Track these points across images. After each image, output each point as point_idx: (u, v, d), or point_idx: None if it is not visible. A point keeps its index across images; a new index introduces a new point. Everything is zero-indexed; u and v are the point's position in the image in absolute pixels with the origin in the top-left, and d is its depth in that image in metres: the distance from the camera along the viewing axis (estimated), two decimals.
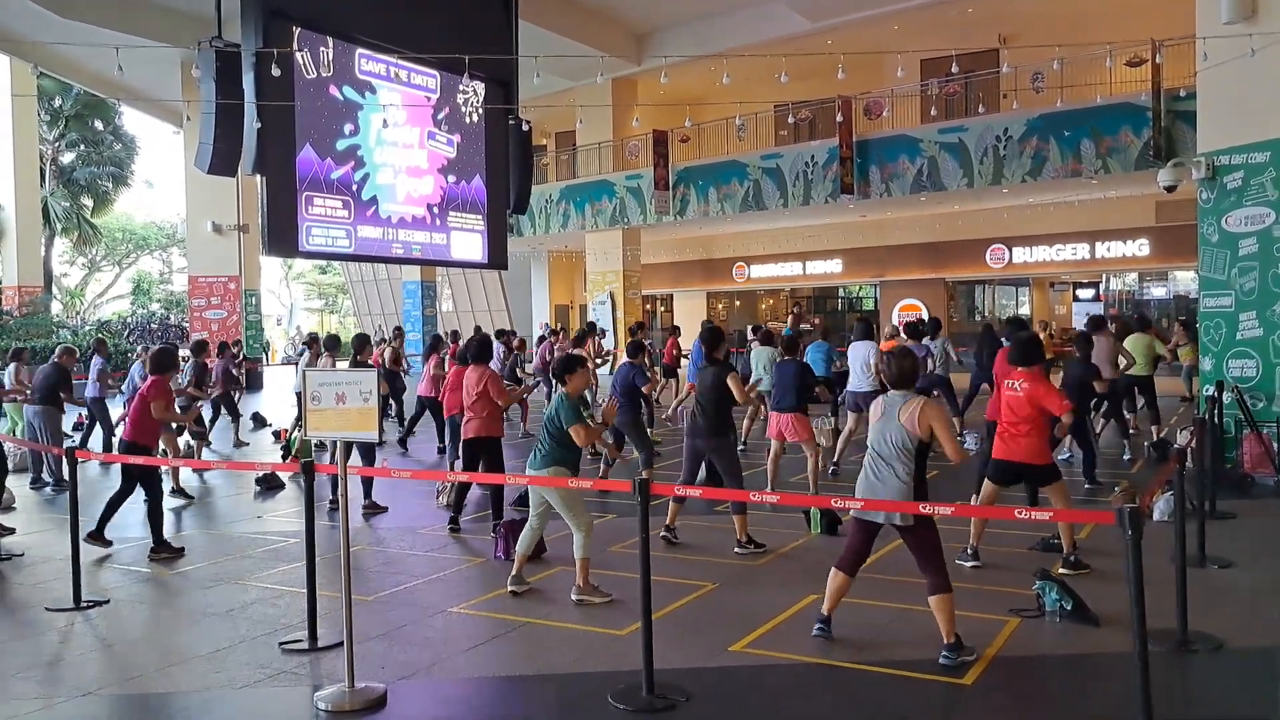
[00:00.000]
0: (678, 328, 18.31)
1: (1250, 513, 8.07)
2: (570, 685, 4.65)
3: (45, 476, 10.53)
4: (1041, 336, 14.76)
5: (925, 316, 20.21)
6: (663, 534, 7.16)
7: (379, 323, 32.53)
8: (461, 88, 14.86)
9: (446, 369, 11.36)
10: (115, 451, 8.74)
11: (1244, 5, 9.39)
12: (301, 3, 12.85)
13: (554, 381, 6.30)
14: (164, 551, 7.20)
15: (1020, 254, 23.88)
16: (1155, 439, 10.95)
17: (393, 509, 8.80)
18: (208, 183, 19.24)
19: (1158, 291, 25.08)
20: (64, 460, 7.53)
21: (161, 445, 7.72)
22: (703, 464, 7.21)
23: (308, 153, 13.13)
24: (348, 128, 13.77)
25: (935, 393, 11.26)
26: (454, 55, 11.59)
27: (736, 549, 6.96)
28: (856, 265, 26.67)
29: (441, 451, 11.65)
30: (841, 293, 29.62)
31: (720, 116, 20.64)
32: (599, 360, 16.30)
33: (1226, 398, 9.23)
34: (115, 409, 12.17)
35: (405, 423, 13.36)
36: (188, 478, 10.53)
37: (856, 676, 4.62)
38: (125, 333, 28.49)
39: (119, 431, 8.77)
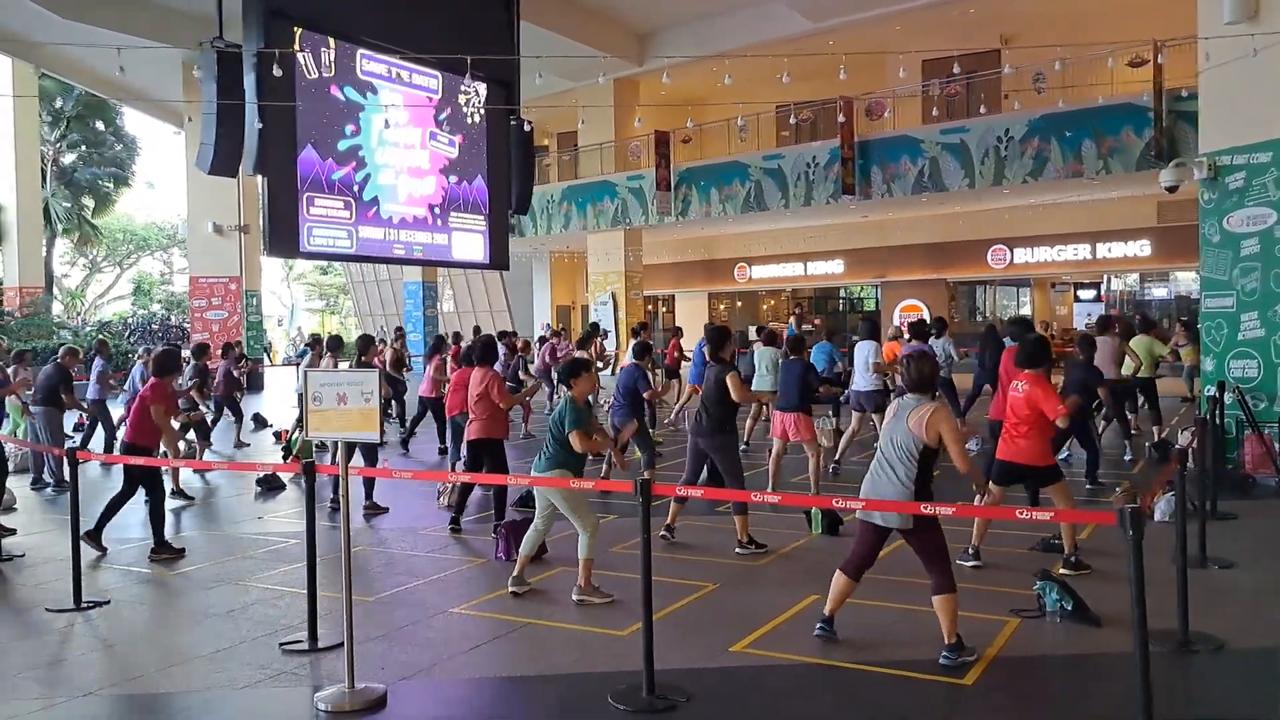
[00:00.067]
0: (680, 329, 18.30)
1: (1251, 513, 8.07)
2: (571, 686, 4.65)
3: (46, 477, 10.53)
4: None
5: (927, 317, 20.16)
6: (661, 534, 7.16)
7: (380, 323, 32.48)
8: (463, 88, 14.86)
9: (448, 373, 11.36)
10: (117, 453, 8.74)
11: (1246, 5, 9.38)
12: (303, 3, 12.87)
13: (556, 383, 6.31)
14: (165, 552, 7.20)
15: (1021, 254, 23.87)
16: (1156, 439, 10.96)
17: (394, 510, 8.80)
18: (209, 183, 19.21)
19: (1159, 292, 25.04)
20: (64, 461, 7.53)
21: (163, 446, 7.69)
22: (705, 464, 7.21)
23: (309, 153, 13.14)
24: (349, 128, 13.78)
25: (937, 393, 11.22)
26: (455, 55, 11.62)
27: (737, 549, 6.96)
28: (858, 266, 26.67)
29: (443, 452, 11.65)
30: (843, 293, 29.61)
31: (722, 117, 20.60)
32: (600, 364, 16.28)
33: (1228, 398, 9.23)
34: (116, 410, 12.21)
35: (406, 424, 13.37)
36: (189, 478, 10.55)
37: (857, 677, 4.62)
38: (126, 334, 28.51)
39: (120, 433, 8.77)
